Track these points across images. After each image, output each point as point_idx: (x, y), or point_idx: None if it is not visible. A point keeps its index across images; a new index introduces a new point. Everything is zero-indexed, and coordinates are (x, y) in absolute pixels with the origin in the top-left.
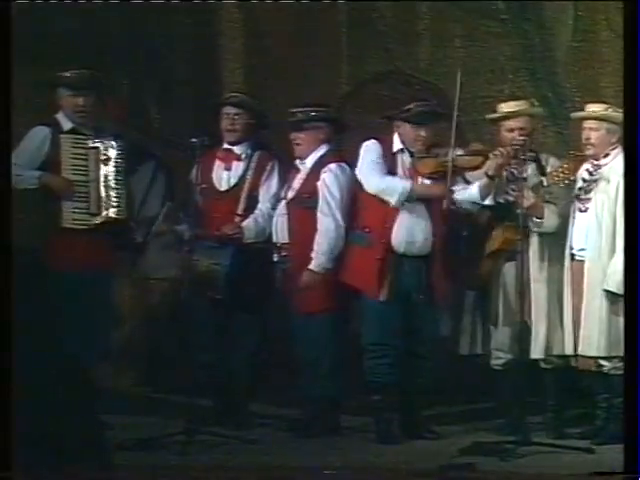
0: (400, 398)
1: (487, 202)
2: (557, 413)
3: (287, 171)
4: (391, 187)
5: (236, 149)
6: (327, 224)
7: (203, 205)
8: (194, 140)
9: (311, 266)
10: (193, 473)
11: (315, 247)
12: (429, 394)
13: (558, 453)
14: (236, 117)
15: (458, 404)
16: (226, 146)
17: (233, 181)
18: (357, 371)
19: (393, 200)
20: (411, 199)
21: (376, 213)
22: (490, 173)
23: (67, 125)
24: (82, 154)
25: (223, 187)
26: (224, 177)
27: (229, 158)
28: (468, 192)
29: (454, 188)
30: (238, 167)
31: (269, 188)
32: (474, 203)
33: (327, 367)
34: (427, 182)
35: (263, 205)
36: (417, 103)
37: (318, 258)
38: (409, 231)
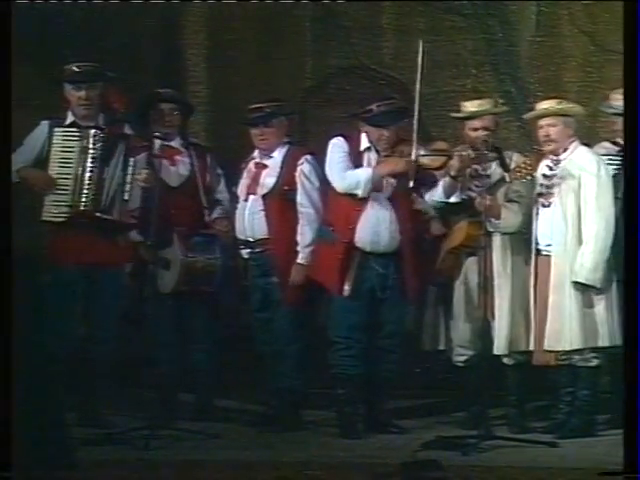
0: (364, 393)
1: (452, 200)
2: (520, 407)
3: (247, 166)
4: (354, 179)
5: (173, 144)
6: (308, 216)
7: (159, 202)
8: (156, 134)
9: (299, 260)
10: (156, 468)
11: (299, 240)
12: (393, 389)
13: (521, 447)
14: (170, 112)
15: (422, 399)
16: (165, 143)
17: (184, 175)
18: (321, 366)
19: (360, 191)
20: (379, 187)
21: (341, 211)
22: (453, 173)
23: (69, 119)
24: (71, 147)
25: (174, 183)
26: (172, 173)
27: (170, 153)
28: (433, 191)
29: (421, 188)
30: (183, 162)
31: (220, 181)
32: (438, 201)
33: (291, 361)
34: (396, 204)
35: (223, 199)
36: (378, 103)
37: (305, 252)
38: (374, 230)
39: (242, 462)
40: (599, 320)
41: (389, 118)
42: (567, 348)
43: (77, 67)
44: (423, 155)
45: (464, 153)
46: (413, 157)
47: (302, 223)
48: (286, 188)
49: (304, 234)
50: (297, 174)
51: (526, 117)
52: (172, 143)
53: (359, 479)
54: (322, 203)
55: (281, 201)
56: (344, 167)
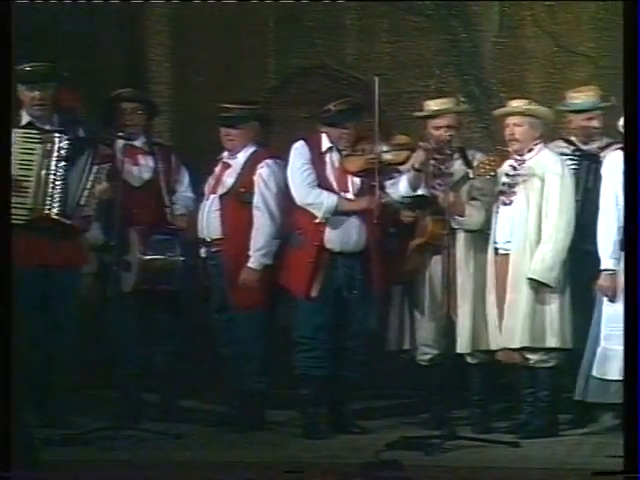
0: (328, 393)
1: (419, 192)
2: (483, 407)
3: (213, 165)
4: (317, 202)
5: (137, 143)
6: (263, 220)
7: (122, 201)
8: (120, 134)
9: (250, 264)
10: (119, 468)
11: (252, 244)
12: (357, 389)
13: (484, 447)
14: (133, 111)
15: (385, 399)
16: (127, 142)
17: (147, 175)
18: (285, 366)
19: (319, 215)
20: (338, 212)
21: (310, 214)
22: (417, 166)
23: (25, 119)
24: (31, 149)
25: (136, 183)
26: (135, 173)
27: (133, 153)
28: (397, 185)
29: (384, 183)
30: (146, 161)
31: (183, 181)
32: (404, 196)
33: (255, 362)
34: (353, 197)
35: (186, 198)
36: (335, 103)
37: (256, 256)
38: (344, 230)
39: (205, 462)
40: (551, 320)
41: (347, 116)
42: (519, 346)
43: (30, 67)
44: (386, 151)
45: (427, 145)
46: (376, 154)
47: (256, 227)
48: (242, 190)
49: (256, 238)
50: (255, 177)
51: (495, 113)
52: (135, 143)
53: (322, 479)
54: (282, 208)
55: (236, 202)
56: (308, 180)
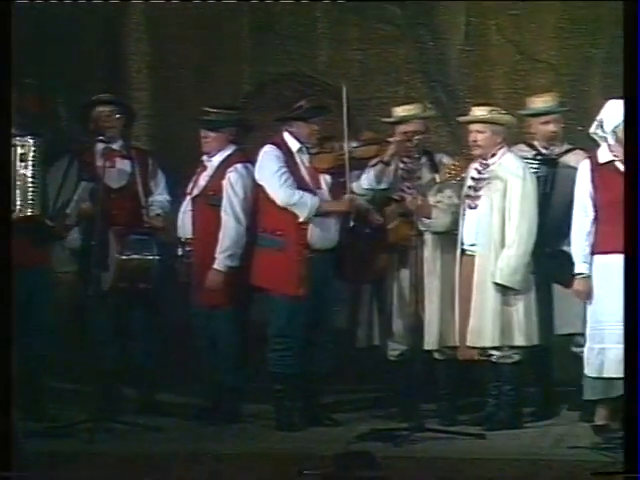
0: (301, 387)
1: (382, 186)
2: (449, 401)
3: (193, 167)
4: (301, 203)
5: (115, 146)
6: (229, 223)
7: (102, 202)
8: (101, 138)
9: (215, 265)
10: (100, 460)
11: (218, 247)
12: (329, 383)
13: (450, 439)
14: (110, 115)
15: (356, 393)
16: (105, 145)
17: (125, 177)
18: (260, 362)
19: (302, 215)
20: (319, 213)
21: (291, 216)
22: (385, 159)
23: None
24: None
25: (115, 185)
26: (113, 175)
27: (112, 156)
28: (364, 178)
29: (353, 179)
30: (123, 164)
31: (159, 183)
32: (374, 196)
33: (231, 358)
34: (331, 197)
35: (162, 199)
36: (307, 99)
37: (221, 258)
38: (325, 229)
39: (183, 454)
40: (517, 320)
41: (318, 112)
42: (487, 345)
43: None
44: (355, 147)
45: (396, 139)
46: (345, 150)
47: (222, 229)
48: (211, 193)
49: (222, 240)
50: (224, 181)
51: (459, 120)
52: (114, 146)
53: (295, 469)
54: (250, 212)
55: (206, 204)
56: (288, 182)
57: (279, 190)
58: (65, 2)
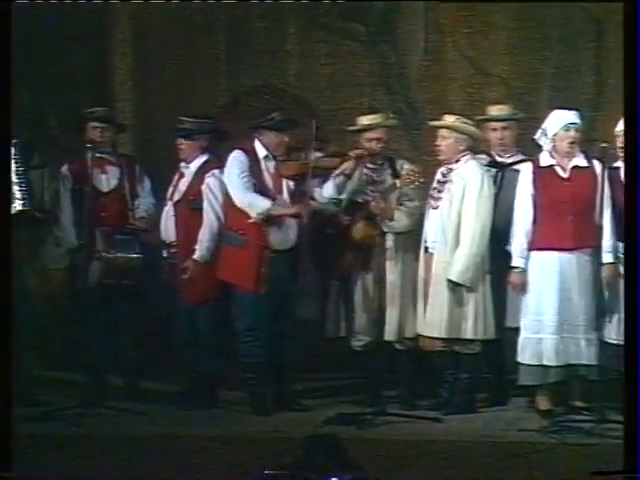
0: (273, 375)
1: (343, 196)
2: (409, 387)
3: (173, 174)
4: (253, 204)
5: (105, 155)
6: (208, 220)
7: (90, 205)
8: (88, 146)
9: (194, 256)
10: (88, 442)
11: (199, 239)
12: (299, 371)
13: (410, 422)
14: (103, 128)
15: (323, 380)
16: (97, 154)
17: (113, 183)
18: (236, 352)
19: (253, 215)
20: (272, 217)
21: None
22: (347, 172)
23: None
24: None
25: (104, 189)
26: (103, 180)
27: (101, 163)
28: (326, 187)
29: (315, 187)
30: (113, 171)
31: (145, 188)
32: (332, 198)
33: (208, 349)
34: (286, 202)
35: (147, 203)
36: (279, 112)
37: (200, 250)
38: (283, 230)
39: (165, 436)
40: (470, 314)
41: (289, 124)
42: (443, 336)
43: None
44: (319, 157)
45: (358, 153)
46: (310, 159)
47: (204, 227)
48: (191, 198)
49: (204, 234)
50: (203, 186)
51: (425, 126)
52: (104, 154)
53: (268, 452)
54: (226, 212)
55: (188, 208)
56: (243, 183)
57: (236, 191)
58: (64, 4)
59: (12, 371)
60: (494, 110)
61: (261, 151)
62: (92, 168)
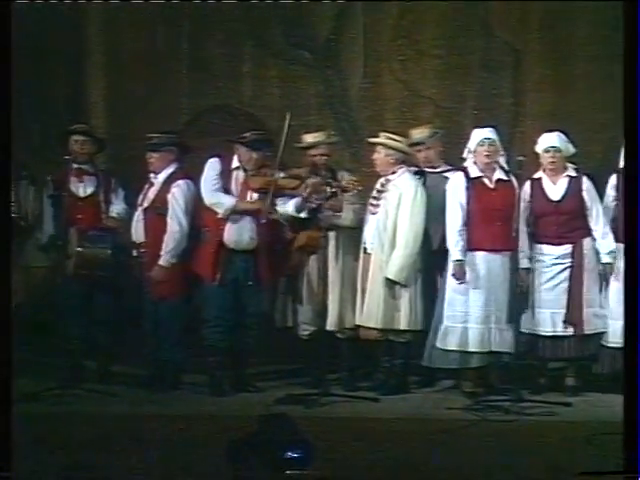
0: (230, 360)
1: (302, 215)
2: (350, 371)
3: (143, 183)
4: (220, 202)
5: (85, 167)
6: (174, 228)
7: (69, 208)
8: (67, 157)
9: (160, 262)
10: (67, 419)
11: (163, 247)
12: (253, 357)
13: (351, 402)
14: (83, 143)
15: (275, 365)
16: (77, 165)
17: (89, 190)
18: (194, 340)
19: (220, 212)
20: (236, 212)
21: (214, 216)
22: (305, 195)
23: None
24: None
25: (81, 195)
26: (80, 188)
27: (81, 174)
28: (286, 207)
29: (276, 202)
30: (90, 180)
31: (118, 196)
32: (292, 216)
33: (173, 337)
34: (248, 199)
35: (119, 208)
36: (252, 132)
37: (165, 256)
38: (238, 231)
39: (135, 415)
40: (403, 307)
41: (259, 144)
42: (378, 326)
43: None
44: (283, 177)
45: (315, 180)
46: (274, 178)
47: (167, 233)
48: (158, 204)
49: (167, 242)
50: (169, 195)
51: (362, 144)
52: (84, 166)
53: (226, 429)
54: (189, 218)
55: (155, 214)
56: (212, 185)
57: (206, 191)
58: (63, 5)
59: (12, 371)
60: (416, 134)
61: (234, 162)
62: (72, 178)
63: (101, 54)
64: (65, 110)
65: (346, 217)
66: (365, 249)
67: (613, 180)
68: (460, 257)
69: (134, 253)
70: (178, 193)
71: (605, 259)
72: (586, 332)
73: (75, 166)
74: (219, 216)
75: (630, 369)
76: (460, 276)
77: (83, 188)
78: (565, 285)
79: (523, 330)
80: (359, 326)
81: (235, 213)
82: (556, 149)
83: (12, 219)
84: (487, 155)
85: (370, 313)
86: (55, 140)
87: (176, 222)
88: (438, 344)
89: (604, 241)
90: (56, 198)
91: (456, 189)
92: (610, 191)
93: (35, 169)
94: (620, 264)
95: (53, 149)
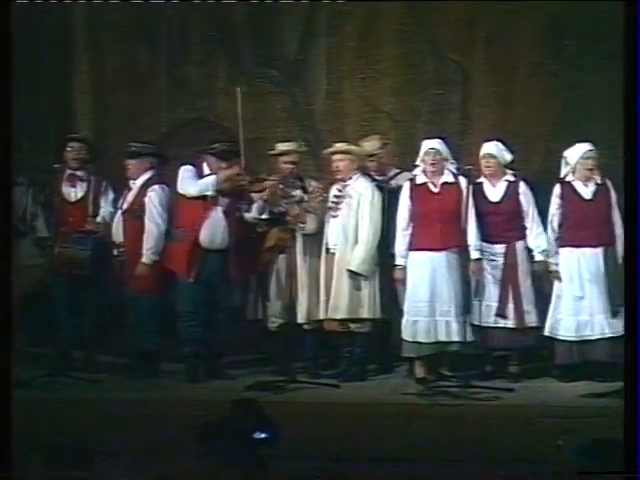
0: (204, 350)
1: (264, 216)
2: (311, 360)
3: (123, 188)
4: (204, 184)
5: (78, 173)
6: (151, 228)
7: (60, 211)
8: (55, 166)
9: (142, 260)
10: (53, 404)
11: (144, 246)
12: (225, 347)
13: (316, 388)
14: (78, 150)
15: (245, 355)
16: (71, 171)
17: (80, 195)
18: (172, 332)
19: (210, 192)
20: (222, 187)
21: (189, 217)
22: (265, 198)
23: None
24: None
25: (72, 200)
26: (72, 192)
27: (74, 179)
28: (251, 210)
29: (243, 206)
30: (82, 185)
31: (107, 200)
32: (256, 218)
33: (152, 329)
34: (225, 216)
35: (105, 211)
36: (220, 143)
37: (146, 254)
38: (211, 232)
39: (118, 400)
40: (365, 299)
41: (227, 154)
42: (343, 317)
43: None
44: (249, 182)
45: (275, 184)
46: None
47: (146, 233)
48: (136, 207)
49: (147, 241)
50: (146, 198)
51: (325, 152)
52: (77, 172)
53: (200, 413)
54: (165, 220)
55: (133, 216)
56: (194, 179)
57: (187, 187)
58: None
59: (12, 372)
60: (367, 146)
61: (206, 170)
62: (65, 183)
63: (87, 73)
64: (56, 120)
65: (310, 227)
66: (328, 249)
67: (557, 189)
68: (402, 263)
69: (114, 252)
70: (154, 197)
71: (538, 257)
72: (525, 325)
73: (69, 172)
74: (211, 194)
75: (630, 367)
76: (401, 282)
77: (74, 192)
78: (502, 280)
79: (470, 321)
80: (324, 319)
81: (220, 189)
82: (491, 156)
83: (12, 221)
84: (432, 163)
85: (335, 306)
86: (48, 147)
87: (153, 223)
88: (402, 335)
89: (537, 241)
90: (49, 202)
91: (404, 194)
92: (555, 199)
93: (28, 175)
94: (557, 263)
95: (46, 156)
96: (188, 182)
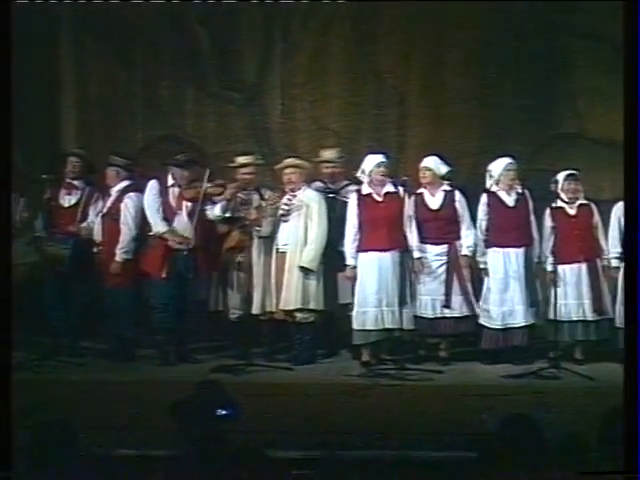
0: (175, 338)
1: (227, 215)
2: (270, 346)
3: (104, 195)
4: (154, 223)
5: (75, 183)
6: (125, 231)
7: (56, 215)
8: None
9: (116, 258)
10: (44, 385)
11: (118, 246)
12: (192, 335)
13: (271, 371)
14: (75, 163)
15: (210, 342)
16: (68, 181)
17: (73, 201)
18: (147, 321)
19: (152, 231)
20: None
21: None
22: (227, 197)
23: None
24: None
25: (66, 205)
26: (66, 199)
27: (70, 188)
28: (214, 209)
29: (207, 207)
30: (76, 193)
31: (95, 207)
32: (219, 216)
33: (129, 318)
34: (184, 221)
35: (91, 216)
36: (182, 154)
37: (119, 253)
38: (181, 235)
39: (99, 381)
40: (313, 292)
41: (189, 163)
42: (292, 308)
43: None
44: (210, 187)
45: (234, 185)
46: (203, 188)
47: (121, 234)
48: (113, 212)
49: (122, 242)
50: (122, 204)
51: (277, 167)
52: (74, 182)
53: (171, 392)
54: (138, 223)
55: (110, 219)
56: (155, 206)
57: (147, 210)
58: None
59: (11, 372)
60: (326, 154)
61: (170, 181)
62: (61, 191)
63: (73, 92)
64: (58, 136)
65: (265, 230)
66: (278, 249)
67: (484, 198)
68: (353, 263)
69: (94, 250)
70: (129, 202)
71: (465, 252)
72: (466, 314)
73: (67, 181)
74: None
75: (630, 369)
76: (351, 279)
77: (68, 199)
78: (446, 275)
79: (410, 312)
80: (276, 310)
81: (160, 238)
82: (427, 168)
83: (12, 221)
84: (381, 175)
85: (285, 299)
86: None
87: (127, 226)
88: (353, 325)
89: (467, 240)
90: (43, 207)
91: (352, 204)
92: (482, 207)
93: (21, 184)
94: (485, 261)
95: (39, 168)
96: (148, 203)
